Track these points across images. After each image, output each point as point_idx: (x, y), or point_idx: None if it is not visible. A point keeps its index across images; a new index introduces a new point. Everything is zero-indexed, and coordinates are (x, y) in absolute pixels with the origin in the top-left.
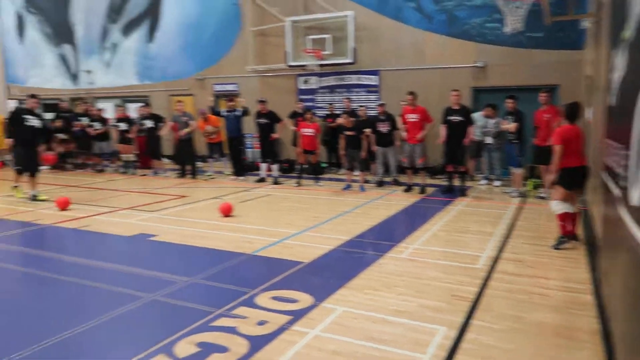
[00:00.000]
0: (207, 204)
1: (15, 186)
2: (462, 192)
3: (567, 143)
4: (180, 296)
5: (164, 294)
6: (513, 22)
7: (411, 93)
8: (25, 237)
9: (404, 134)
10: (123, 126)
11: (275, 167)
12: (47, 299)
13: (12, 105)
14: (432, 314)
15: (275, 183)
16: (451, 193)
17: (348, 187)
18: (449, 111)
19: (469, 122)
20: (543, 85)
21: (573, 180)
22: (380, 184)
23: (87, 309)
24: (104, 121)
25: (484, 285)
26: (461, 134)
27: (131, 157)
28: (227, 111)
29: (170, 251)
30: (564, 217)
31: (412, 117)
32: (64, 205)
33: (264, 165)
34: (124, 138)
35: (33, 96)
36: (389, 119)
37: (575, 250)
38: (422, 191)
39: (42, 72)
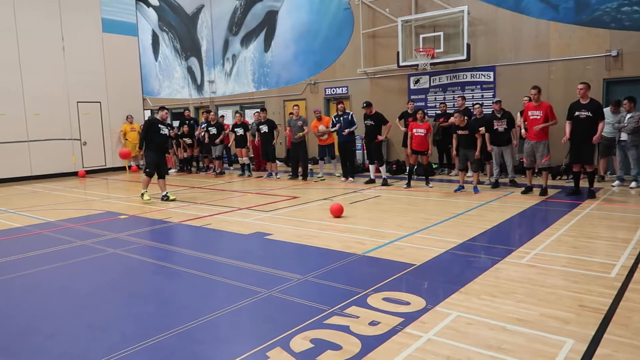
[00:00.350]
0: (318, 205)
1: (143, 192)
2: (590, 194)
3: None
4: (294, 293)
5: (280, 290)
6: None
7: (535, 87)
8: (156, 233)
9: (523, 132)
10: (240, 131)
11: (383, 168)
12: (174, 290)
13: (148, 116)
14: (557, 325)
15: (384, 184)
16: (577, 195)
17: (460, 189)
18: (576, 106)
19: (598, 117)
20: None
21: None
22: (496, 185)
23: (210, 301)
24: (220, 126)
25: (618, 297)
26: (589, 130)
27: (247, 160)
28: (337, 116)
29: (284, 249)
30: None
31: (535, 114)
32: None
33: (372, 167)
34: (240, 142)
35: (163, 108)
36: (506, 116)
37: None
38: (544, 193)
39: (172, 84)
